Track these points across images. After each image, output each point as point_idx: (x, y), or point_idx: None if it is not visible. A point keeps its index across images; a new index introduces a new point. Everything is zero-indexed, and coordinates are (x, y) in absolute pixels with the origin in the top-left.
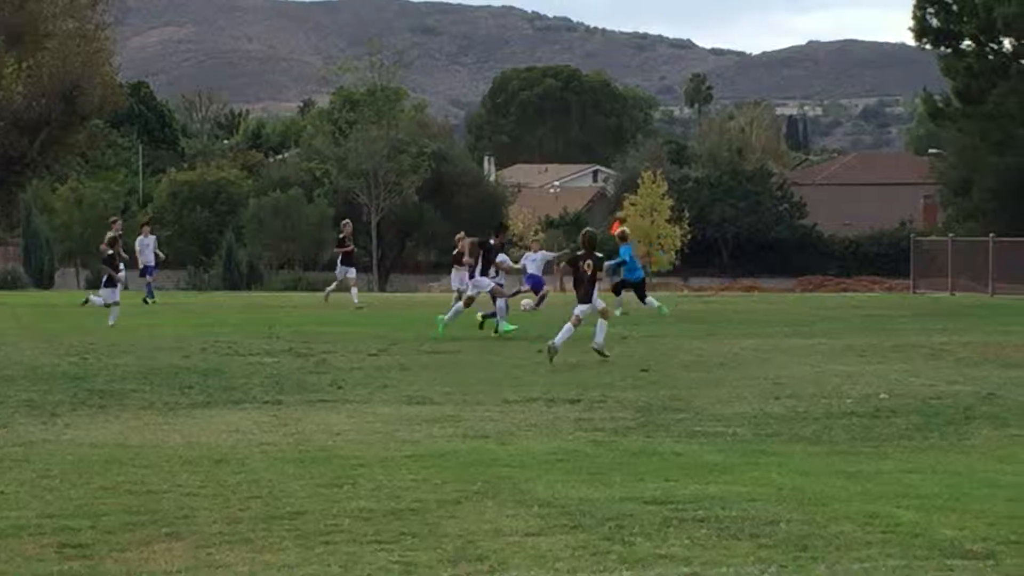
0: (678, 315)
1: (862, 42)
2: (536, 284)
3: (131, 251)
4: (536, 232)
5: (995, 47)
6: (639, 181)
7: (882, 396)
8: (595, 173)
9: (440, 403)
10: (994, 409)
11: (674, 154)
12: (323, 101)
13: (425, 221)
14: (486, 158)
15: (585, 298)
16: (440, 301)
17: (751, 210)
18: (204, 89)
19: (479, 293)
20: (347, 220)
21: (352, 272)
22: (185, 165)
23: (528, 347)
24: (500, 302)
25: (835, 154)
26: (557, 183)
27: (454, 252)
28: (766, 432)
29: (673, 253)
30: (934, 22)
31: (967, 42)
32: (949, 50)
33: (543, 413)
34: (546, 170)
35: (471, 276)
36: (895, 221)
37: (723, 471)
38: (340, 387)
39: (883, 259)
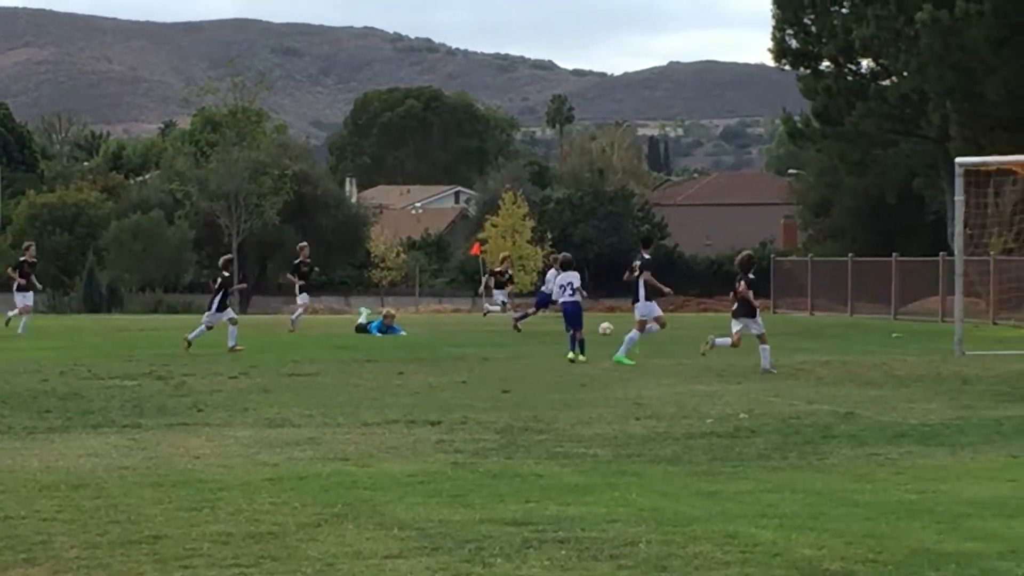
0: (539, 336)
1: (722, 63)
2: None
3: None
4: (398, 253)
5: (853, 68)
6: (500, 202)
7: (742, 416)
8: (457, 194)
9: (300, 425)
10: (852, 428)
11: (536, 175)
12: (184, 123)
13: (286, 243)
14: (348, 179)
15: (746, 315)
16: (305, 323)
17: (613, 231)
18: (64, 111)
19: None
20: (304, 243)
21: (306, 297)
22: (44, 187)
23: (389, 369)
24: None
25: (696, 174)
26: (419, 204)
27: (496, 270)
28: (626, 453)
29: (534, 274)
30: (793, 43)
31: (826, 63)
32: (808, 71)
33: (404, 435)
34: (408, 191)
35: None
36: (756, 241)
37: (583, 492)
38: (200, 410)
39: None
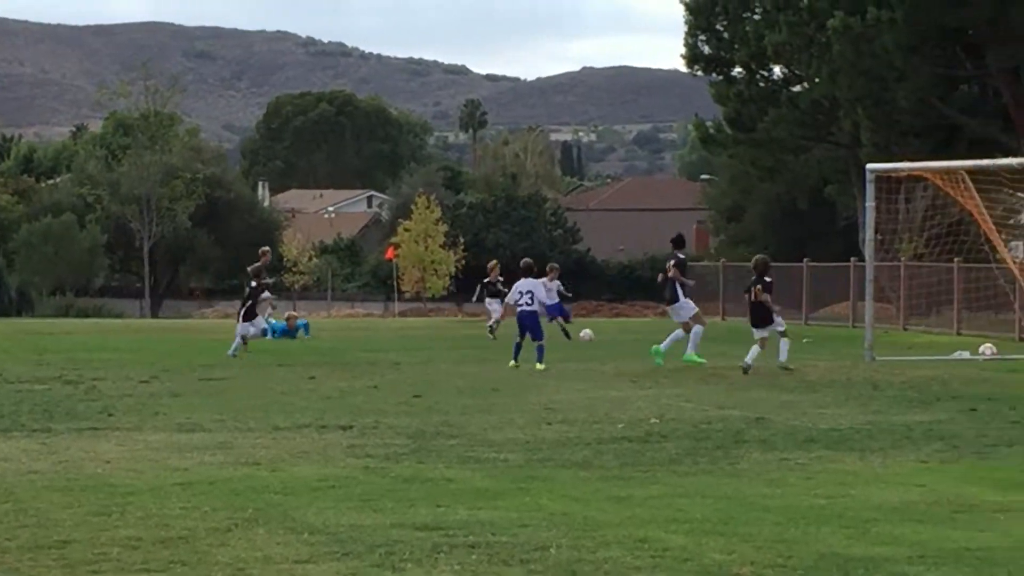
0: (452, 340)
1: (635, 68)
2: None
3: None
4: (310, 257)
5: (765, 74)
6: (413, 207)
7: (653, 421)
8: (370, 199)
9: (211, 430)
10: (763, 433)
11: (449, 180)
12: (96, 126)
13: (198, 247)
14: (260, 183)
15: (763, 322)
16: (214, 328)
17: (526, 235)
18: None
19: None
20: (266, 248)
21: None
22: None
23: (300, 373)
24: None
25: (609, 180)
26: (332, 208)
27: (487, 280)
28: (537, 457)
29: (447, 278)
30: (705, 49)
31: (738, 69)
32: (720, 77)
33: (314, 440)
34: (321, 195)
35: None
36: (668, 246)
37: (494, 497)
38: (111, 414)
39: (657, 284)
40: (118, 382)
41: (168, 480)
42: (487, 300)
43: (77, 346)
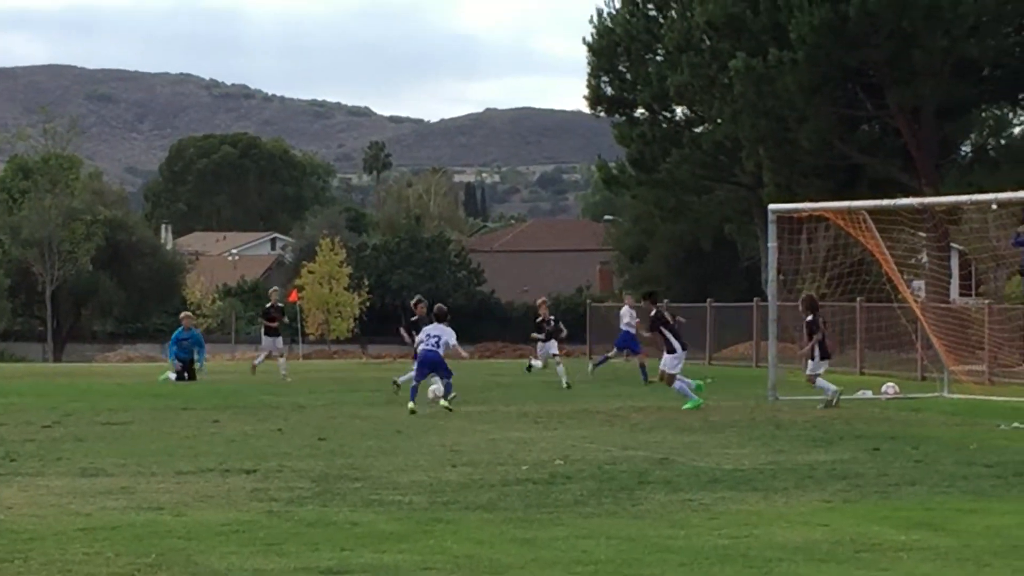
0: (356, 383)
1: (538, 110)
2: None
3: None
4: (213, 300)
5: (668, 115)
6: (317, 249)
7: (557, 462)
8: (273, 241)
9: (114, 474)
10: (667, 474)
11: (352, 221)
12: None
13: (101, 290)
14: (163, 226)
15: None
16: (117, 371)
17: (430, 277)
18: None
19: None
20: (275, 288)
21: (279, 342)
22: None
23: (204, 416)
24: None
25: (513, 221)
26: (235, 251)
27: (537, 319)
28: (441, 500)
29: (352, 320)
30: (608, 90)
31: (641, 110)
32: (623, 118)
33: (218, 484)
34: (224, 238)
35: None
36: (572, 287)
37: (399, 540)
38: (13, 460)
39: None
40: (20, 427)
41: (71, 525)
42: (541, 346)
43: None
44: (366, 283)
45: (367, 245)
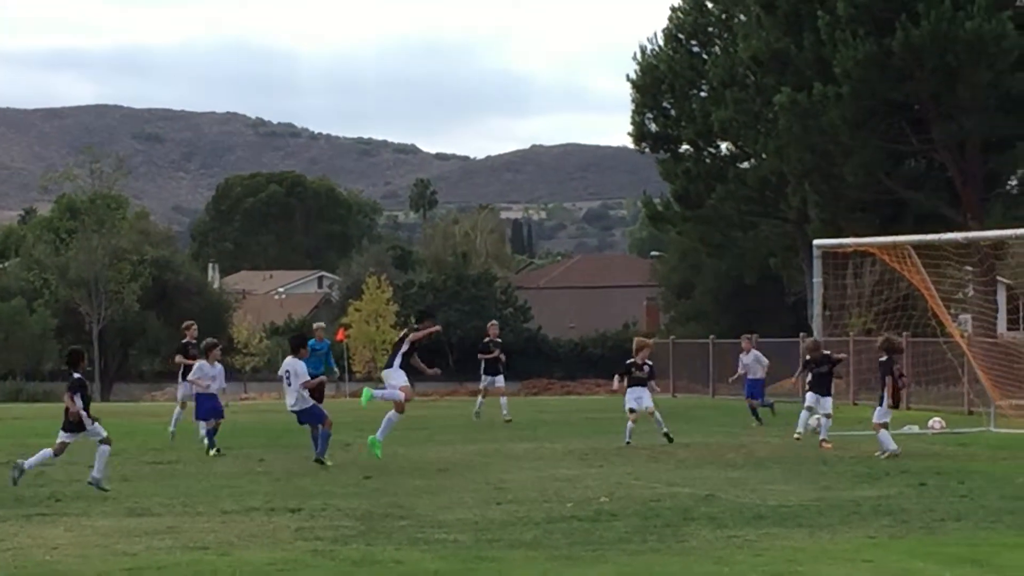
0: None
1: (584, 145)
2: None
3: None
4: (260, 339)
5: (712, 151)
6: (364, 287)
7: (603, 499)
8: (320, 279)
9: (160, 514)
10: (712, 510)
11: (399, 259)
12: (45, 209)
13: (148, 329)
14: (210, 265)
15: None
16: (166, 410)
17: (476, 314)
18: None
19: None
20: (191, 321)
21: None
22: None
23: (249, 456)
24: None
25: (559, 257)
26: (282, 289)
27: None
28: (487, 538)
29: None
30: (652, 127)
31: (685, 146)
32: (668, 154)
33: (263, 523)
34: (271, 276)
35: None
36: (619, 323)
37: None
38: (59, 500)
39: (607, 361)
40: (66, 467)
41: (116, 566)
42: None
43: (25, 431)
44: (412, 321)
45: (413, 283)
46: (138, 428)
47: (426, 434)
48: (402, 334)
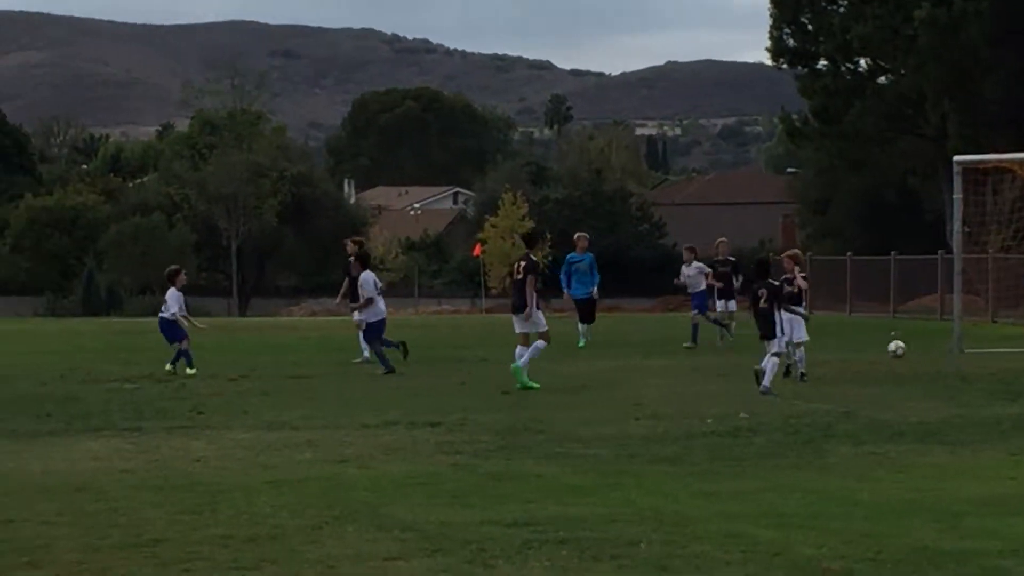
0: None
1: (720, 62)
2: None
3: None
4: (396, 255)
5: (851, 67)
6: (499, 203)
7: (742, 416)
8: (455, 195)
9: (300, 428)
10: (851, 427)
11: (534, 175)
12: (182, 125)
13: (285, 245)
14: (346, 181)
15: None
16: (304, 324)
17: (611, 230)
18: (61, 113)
19: None
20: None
21: None
22: (43, 190)
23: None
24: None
25: (694, 174)
26: (417, 205)
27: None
28: (626, 453)
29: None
30: (790, 42)
31: (823, 62)
32: (806, 70)
33: (403, 437)
34: (406, 192)
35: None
36: (755, 240)
37: (583, 493)
38: (200, 413)
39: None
40: (207, 380)
41: (258, 478)
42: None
43: (166, 345)
44: (548, 236)
45: (549, 199)
46: (276, 343)
47: (564, 350)
48: (524, 272)
